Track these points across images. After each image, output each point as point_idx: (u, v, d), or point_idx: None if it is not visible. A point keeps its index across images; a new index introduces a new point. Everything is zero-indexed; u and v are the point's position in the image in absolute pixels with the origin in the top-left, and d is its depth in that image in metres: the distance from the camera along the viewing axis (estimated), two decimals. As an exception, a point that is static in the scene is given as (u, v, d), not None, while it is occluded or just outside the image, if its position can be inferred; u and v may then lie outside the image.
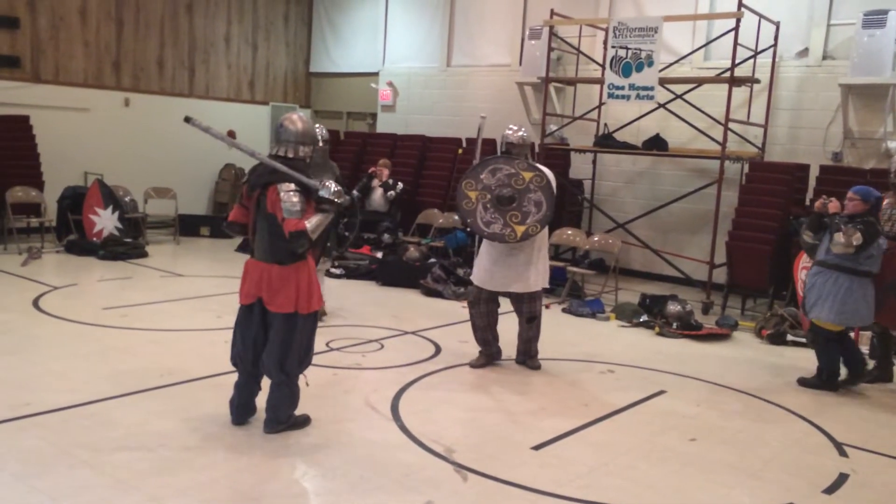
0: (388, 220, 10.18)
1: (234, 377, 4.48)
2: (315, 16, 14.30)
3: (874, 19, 8.22)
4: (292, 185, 4.10)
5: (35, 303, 7.12)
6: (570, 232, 9.40)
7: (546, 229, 5.90)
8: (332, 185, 4.18)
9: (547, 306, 8.23)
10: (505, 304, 6.11)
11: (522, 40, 11.13)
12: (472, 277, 6.03)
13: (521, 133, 5.87)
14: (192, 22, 12.65)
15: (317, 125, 8.46)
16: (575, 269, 8.80)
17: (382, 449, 4.29)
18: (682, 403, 5.40)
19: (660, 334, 7.37)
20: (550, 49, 9.80)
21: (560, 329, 7.40)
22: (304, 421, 4.52)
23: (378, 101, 13.25)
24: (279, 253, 4.19)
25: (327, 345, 6.23)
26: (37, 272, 8.54)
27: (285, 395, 4.36)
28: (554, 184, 5.75)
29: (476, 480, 3.96)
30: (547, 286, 6.08)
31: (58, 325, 6.47)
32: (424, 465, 4.12)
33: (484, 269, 5.85)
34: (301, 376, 4.41)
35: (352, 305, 7.80)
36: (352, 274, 9.22)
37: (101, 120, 11.51)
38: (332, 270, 9.26)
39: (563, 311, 8.13)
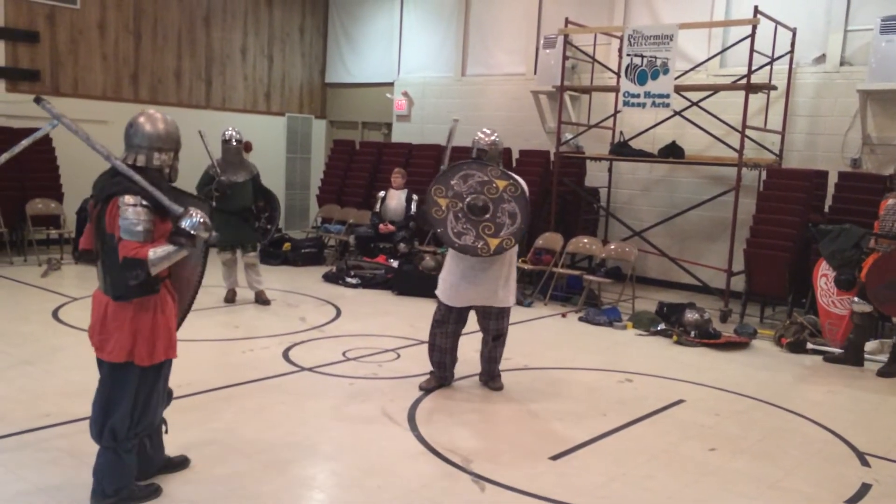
0: (404, 230, 10.20)
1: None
2: (330, 27, 14.39)
3: (892, 25, 8.16)
4: (137, 199, 3.21)
5: (55, 314, 7.19)
6: (586, 240, 9.36)
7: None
8: (198, 216, 3.24)
9: (563, 315, 8.25)
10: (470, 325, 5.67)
11: (537, 49, 11.14)
12: (438, 295, 5.46)
13: (492, 138, 5.54)
14: (209, 34, 12.76)
15: (230, 128, 8.27)
16: (591, 277, 8.77)
17: (399, 459, 4.29)
18: (700, 413, 5.35)
19: (678, 343, 7.32)
20: (565, 57, 9.80)
21: (577, 338, 7.38)
22: (151, 493, 3.55)
23: (393, 110, 13.30)
24: (118, 285, 3.33)
25: (343, 354, 6.24)
26: (56, 283, 8.62)
27: (108, 463, 3.44)
28: (527, 195, 5.37)
29: (493, 491, 3.95)
30: (512, 303, 5.57)
31: (77, 336, 6.50)
32: (442, 475, 4.11)
33: (452, 286, 5.37)
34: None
35: (368, 315, 7.81)
36: (367, 283, 9.24)
37: (120, 132, 11.34)
38: (349, 280, 9.30)
39: (580, 319, 8.10)
